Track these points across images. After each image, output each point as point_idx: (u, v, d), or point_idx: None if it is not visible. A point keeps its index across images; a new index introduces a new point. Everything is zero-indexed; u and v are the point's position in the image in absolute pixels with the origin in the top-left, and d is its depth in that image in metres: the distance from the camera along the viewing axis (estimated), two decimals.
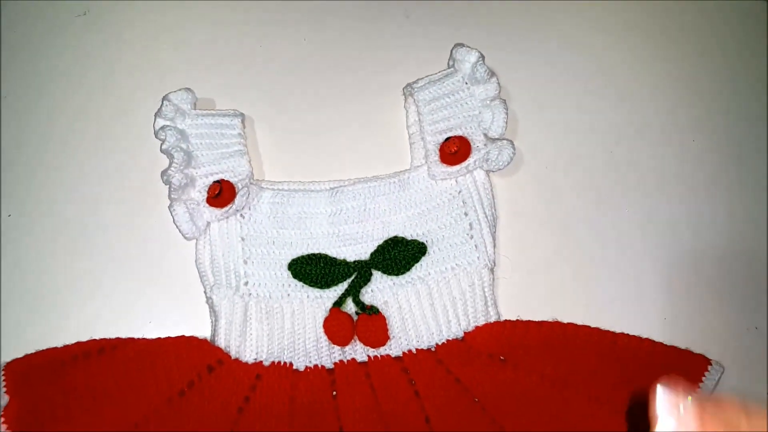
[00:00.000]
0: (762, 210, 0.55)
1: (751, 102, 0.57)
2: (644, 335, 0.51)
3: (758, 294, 0.54)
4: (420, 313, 0.52)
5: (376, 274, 0.53)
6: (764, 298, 0.53)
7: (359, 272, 0.53)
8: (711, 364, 0.50)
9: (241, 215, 0.53)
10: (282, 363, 0.51)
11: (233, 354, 0.51)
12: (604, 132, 0.57)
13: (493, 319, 0.52)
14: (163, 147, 0.53)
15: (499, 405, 0.50)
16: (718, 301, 0.53)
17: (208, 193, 0.53)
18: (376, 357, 0.51)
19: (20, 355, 0.50)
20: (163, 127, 0.53)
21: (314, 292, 0.52)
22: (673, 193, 0.55)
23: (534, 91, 0.57)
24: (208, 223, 0.53)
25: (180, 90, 0.55)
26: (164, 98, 0.54)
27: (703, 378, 0.50)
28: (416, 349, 0.51)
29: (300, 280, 0.53)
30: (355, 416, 0.49)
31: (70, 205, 0.55)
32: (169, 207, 0.52)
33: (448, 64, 0.56)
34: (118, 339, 0.51)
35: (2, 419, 0.48)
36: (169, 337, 0.51)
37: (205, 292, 0.52)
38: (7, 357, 0.51)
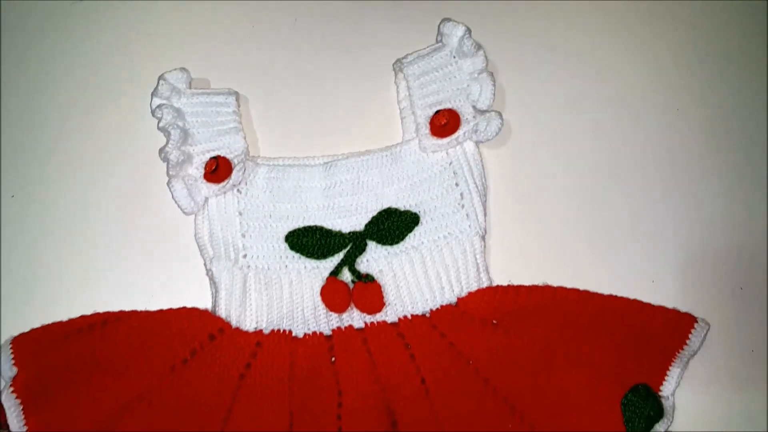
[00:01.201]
0: (748, 174, 0.57)
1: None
2: (632, 297, 0.53)
3: (743, 256, 0.55)
4: (414, 281, 0.54)
5: (371, 245, 0.54)
6: (749, 260, 0.55)
7: (354, 243, 0.54)
8: (697, 322, 0.51)
9: (238, 190, 0.55)
10: (281, 330, 0.52)
11: (234, 323, 0.52)
12: (591, 105, 0.58)
13: (485, 285, 0.53)
14: (160, 125, 0.54)
15: (492, 367, 0.51)
16: (704, 263, 0.55)
17: (204, 168, 0.54)
18: (372, 323, 0.53)
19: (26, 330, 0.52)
20: (159, 106, 0.55)
21: (311, 263, 0.54)
22: (659, 162, 0.57)
23: (521, 63, 0.58)
24: (206, 199, 0.55)
25: (175, 69, 0.56)
26: (160, 78, 0.55)
27: (690, 335, 0.51)
28: (411, 315, 0.53)
29: (297, 251, 0.54)
30: (354, 380, 0.51)
31: (72, 184, 0.56)
32: (168, 183, 0.54)
33: (437, 39, 0.57)
34: (121, 312, 0.53)
35: (12, 389, 0.49)
36: (170, 309, 0.53)
37: (205, 265, 0.54)
38: (13, 333, 0.52)
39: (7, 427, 0.49)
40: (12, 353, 0.51)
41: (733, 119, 0.58)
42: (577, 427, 0.50)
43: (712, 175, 0.57)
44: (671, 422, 0.51)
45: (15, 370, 0.50)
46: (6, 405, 0.49)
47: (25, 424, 0.49)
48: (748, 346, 0.54)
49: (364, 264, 0.54)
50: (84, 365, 0.50)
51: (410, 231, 0.54)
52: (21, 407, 0.49)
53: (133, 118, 0.57)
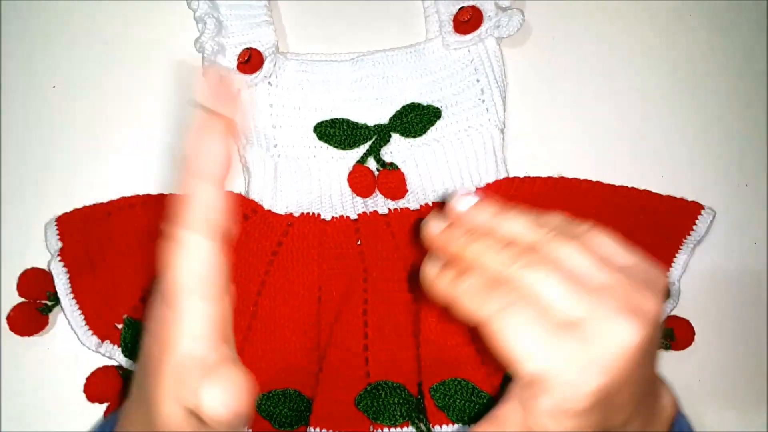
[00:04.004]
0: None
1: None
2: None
3: (748, 152, 0.58)
4: (435, 170, 0.56)
5: (395, 137, 0.57)
6: (754, 156, 0.58)
7: (379, 134, 0.57)
8: (704, 209, 0.54)
9: (269, 83, 0.57)
10: (311, 213, 0.55)
11: (266, 207, 0.55)
12: (610, 5, 0.60)
13: (502, 176, 0.56)
14: (196, 15, 0.56)
15: None
16: (712, 159, 0.58)
17: (237, 59, 0.56)
18: (396, 209, 0.56)
19: None
20: None
21: (338, 152, 0.57)
22: (677, 58, 0.59)
23: None
24: (239, 90, 0.57)
25: None
26: None
27: (696, 222, 0.54)
28: (432, 202, 0.56)
29: (325, 141, 0.57)
30: (378, 259, 0.54)
31: (108, 71, 0.59)
32: (203, 74, 0.56)
33: None
34: (160, 194, 0.56)
35: (59, 258, 0.53)
36: None
37: (238, 152, 0.57)
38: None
39: (56, 293, 0.52)
40: (57, 228, 0.54)
41: None
42: None
43: (720, 67, 0.59)
44: (676, 305, 0.54)
45: (60, 243, 0.54)
46: (54, 272, 0.52)
47: (71, 290, 0.52)
48: (749, 239, 0.57)
49: (388, 155, 0.57)
50: (125, 238, 0.53)
51: (432, 124, 0.57)
52: (68, 274, 0.52)
53: (169, 12, 0.59)
